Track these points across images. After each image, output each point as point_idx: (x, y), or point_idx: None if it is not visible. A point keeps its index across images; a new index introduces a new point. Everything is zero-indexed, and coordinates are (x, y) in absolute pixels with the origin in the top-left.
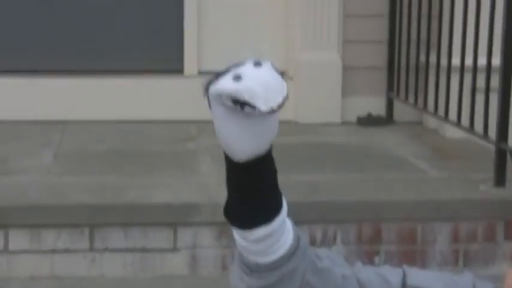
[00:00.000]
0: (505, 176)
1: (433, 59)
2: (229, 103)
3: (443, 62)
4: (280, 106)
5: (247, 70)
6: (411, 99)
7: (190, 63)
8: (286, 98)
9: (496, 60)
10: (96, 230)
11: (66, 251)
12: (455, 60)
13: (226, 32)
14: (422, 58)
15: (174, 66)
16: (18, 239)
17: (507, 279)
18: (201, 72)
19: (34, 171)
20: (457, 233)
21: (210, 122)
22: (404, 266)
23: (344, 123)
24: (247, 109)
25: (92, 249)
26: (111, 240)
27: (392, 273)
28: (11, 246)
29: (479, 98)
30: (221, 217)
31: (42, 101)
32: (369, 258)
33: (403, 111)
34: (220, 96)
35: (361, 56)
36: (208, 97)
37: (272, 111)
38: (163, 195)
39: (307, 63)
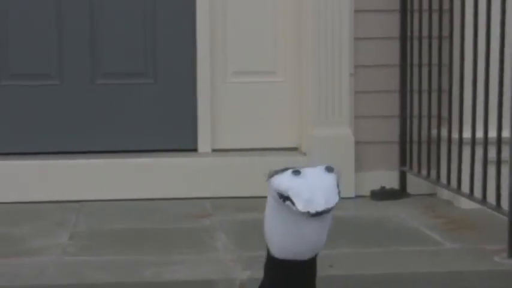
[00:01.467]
0: None
1: (444, 132)
2: (274, 193)
3: (455, 135)
4: (318, 213)
5: (311, 171)
6: (424, 172)
7: (204, 142)
8: (329, 210)
9: (506, 133)
10: None
11: None
12: (467, 134)
13: (239, 110)
14: (434, 132)
15: (188, 145)
16: None
17: None
18: (214, 150)
19: (50, 251)
20: None
21: (224, 198)
22: None
23: (358, 197)
24: (288, 203)
25: None
26: None
27: None
28: None
29: (491, 170)
30: None
31: (57, 182)
32: None
33: (416, 183)
34: (270, 184)
35: (373, 131)
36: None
37: (308, 214)
38: (179, 273)
39: (320, 139)
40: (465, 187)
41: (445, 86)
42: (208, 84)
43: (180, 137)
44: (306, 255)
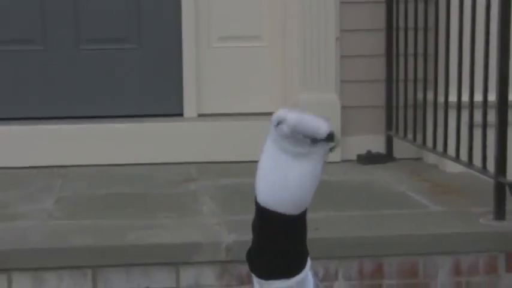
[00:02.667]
0: (505, 209)
1: (430, 96)
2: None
3: (441, 99)
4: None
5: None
6: (410, 136)
7: (189, 106)
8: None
9: (492, 96)
10: (99, 271)
11: None
12: (452, 97)
13: (224, 75)
14: (420, 96)
15: (173, 110)
16: (21, 282)
17: None
18: (200, 115)
19: (35, 215)
20: (459, 266)
21: (209, 163)
22: None
23: (344, 161)
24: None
25: None
26: (114, 282)
27: None
28: None
29: (477, 133)
30: (222, 256)
31: (42, 147)
32: None
33: (402, 148)
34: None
35: (359, 95)
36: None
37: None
38: (164, 236)
39: (306, 104)
40: (451, 150)
41: (430, 49)
42: (193, 49)
43: (165, 102)
44: (288, 207)
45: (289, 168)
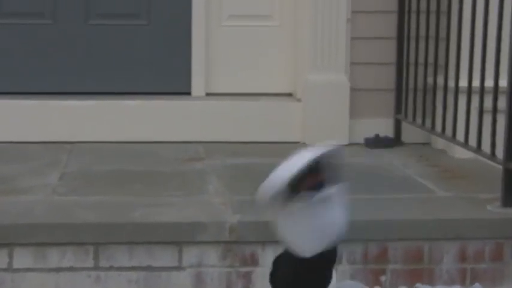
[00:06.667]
0: None
1: (440, 80)
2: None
3: (451, 83)
4: None
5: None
6: (419, 120)
7: (197, 85)
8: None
9: (503, 82)
10: (101, 248)
11: (71, 269)
12: (463, 82)
13: (234, 54)
14: (430, 80)
15: (181, 88)
16: (22, 257)
17: None
18: (208, 94)
19: (39, 190)
20: (464, 252)
21: (217, 143)
22: (417, 285)
23: (351, 144)
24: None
25: (96, 267)
26: (116, 259)
27: None
28: (16, 265)
29: (487, 119)
30: (226, 236)
31: (49, 122)
32: (375, 278)
33: (411, 132)
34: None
35: (369, 78)
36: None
37: None
38: (169, 214)
39: (315, 85)
40: (460, 136)
41: (442, 33)
42: (203, 27)
43: (173, 80)
44: (335, 239)
45: (328, 213)
